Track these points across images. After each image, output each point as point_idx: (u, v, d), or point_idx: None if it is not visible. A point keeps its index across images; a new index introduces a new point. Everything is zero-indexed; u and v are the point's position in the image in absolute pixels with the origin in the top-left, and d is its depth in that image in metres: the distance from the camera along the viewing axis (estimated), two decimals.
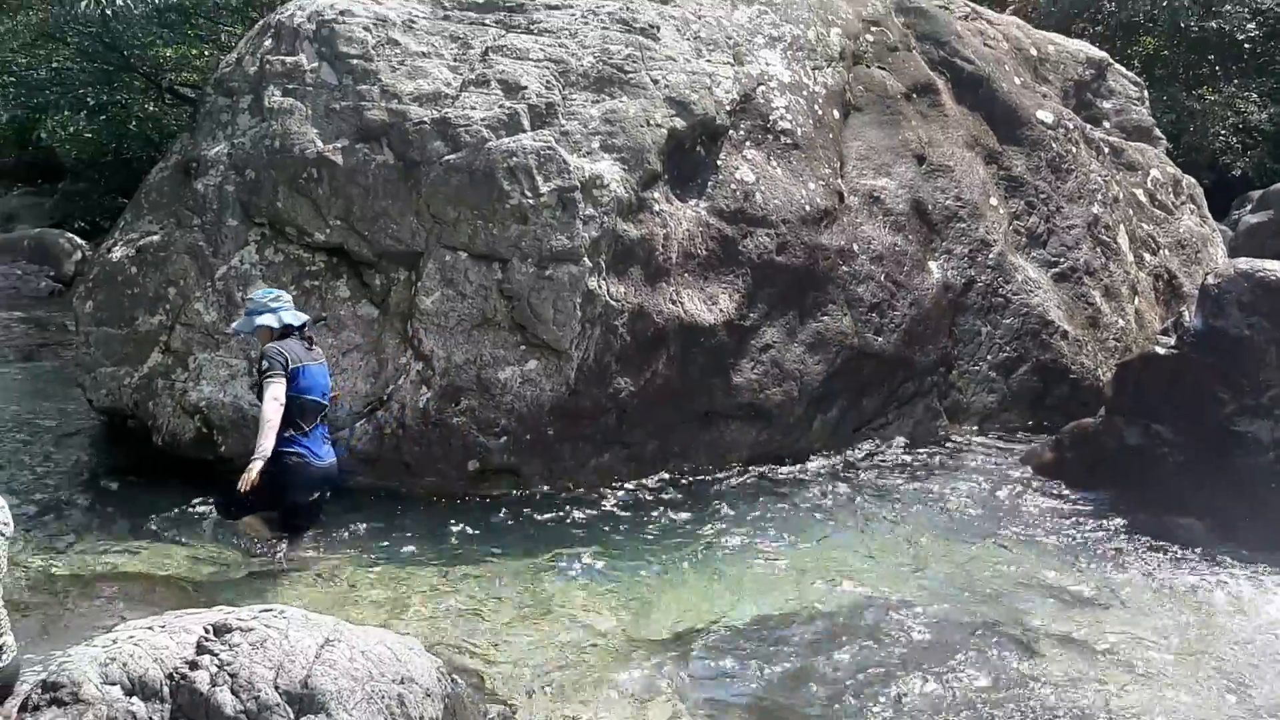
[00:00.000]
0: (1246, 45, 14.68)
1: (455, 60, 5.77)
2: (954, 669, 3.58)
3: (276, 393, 4.31)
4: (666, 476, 5.50)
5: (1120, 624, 4.00)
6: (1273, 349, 5.02)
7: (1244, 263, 5.21)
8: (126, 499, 5.07)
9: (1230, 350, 5.10)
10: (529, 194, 5.26)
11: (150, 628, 2.98)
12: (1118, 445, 5.41)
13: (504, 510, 5.01)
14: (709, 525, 4.91)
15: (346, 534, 4.67)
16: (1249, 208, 9.13)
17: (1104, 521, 5.04)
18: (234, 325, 4.87)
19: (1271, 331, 5.01)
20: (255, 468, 4.22)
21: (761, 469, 5.67)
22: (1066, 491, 5.41)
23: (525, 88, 5.58)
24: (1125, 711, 3.34)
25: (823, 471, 5.69)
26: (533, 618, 3.93)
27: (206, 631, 2.93)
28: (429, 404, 5.15)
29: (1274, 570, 4.50)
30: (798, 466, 5.75)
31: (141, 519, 4.79)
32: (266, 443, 4.25)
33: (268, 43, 5.89)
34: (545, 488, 5.24)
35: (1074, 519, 5.10)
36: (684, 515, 5.03)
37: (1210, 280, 5.27)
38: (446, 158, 5.35)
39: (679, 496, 5.28)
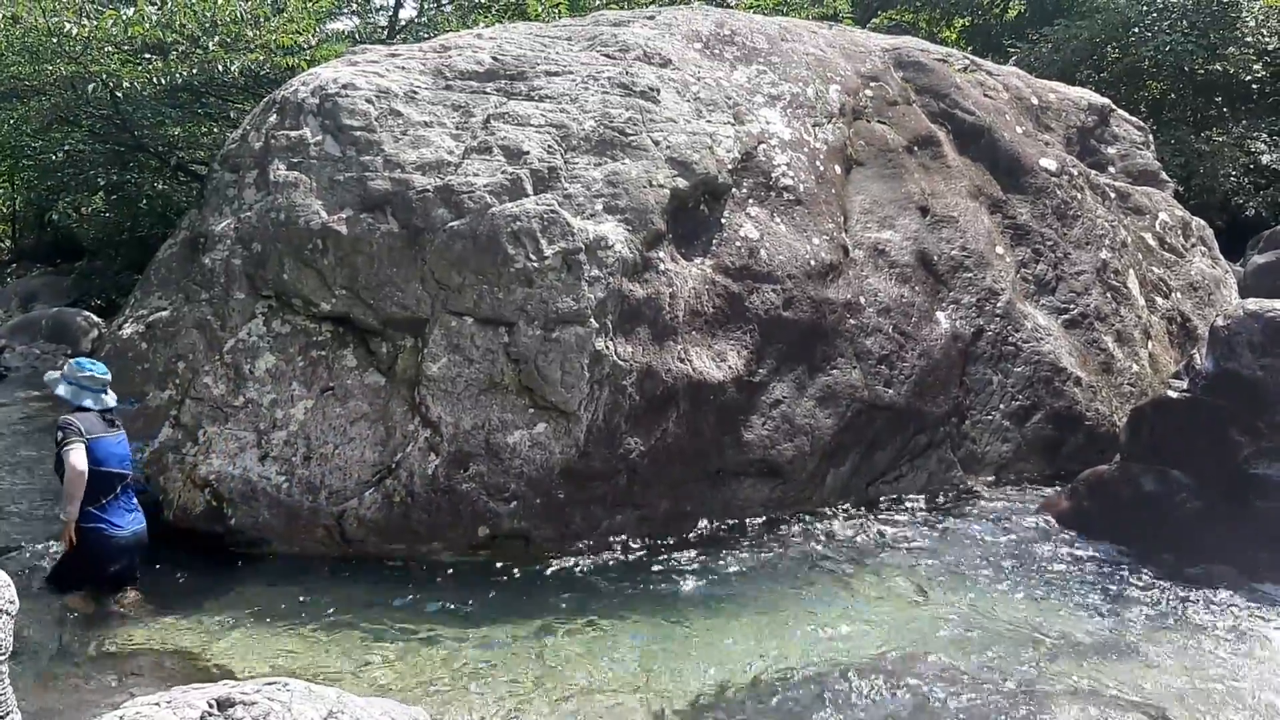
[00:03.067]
0: (1254, 86, 14.73)
1: (457, 128, 5.85)
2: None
3: (76, 459, 4.45)
4: (680, 537, 5.45)
5: (1145, 674, 3.91)
6: None
7: (1253, 304, 5.16)
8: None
9: (1244, 392, 5.05)
10: (533, 257, 5.29)
11: (156, 704, 2.95)
12: (1134, 492, 5.33)
13: (515, 576, 4.96)
14: (723, 585, 4.85)
15: (353, 604, 4.63)
16: (1259, 247, 9.10)
17: (1123, 570, 4.95)
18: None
19: None
20: (68, 530, 4.50)
21: (775, 526, 5.61)
22: (1085, 540, 5.32)
23: (527, 153, 5.64)
24: None
25: (837, 527, 5.62)
26: (545, 686, 3.87)
27: (210, 706, 2.90)
28: (437, 470, 5.13)
29: None
30: (812, 522, 5.68)
31: (153, 592, 4.78)
32: (72, 508, 4.47)
33: (272, 118, 5.98)
34: (557, 552, 5.19)
35: (1093, 568, 5.01)
36: (698, 577, 4.97)
37: (1220, 322, 5.23)
38: (450, 224, 5.39)
39: (692, 556, 5.22)
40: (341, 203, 5.53)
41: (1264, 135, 14.19)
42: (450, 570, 5.02)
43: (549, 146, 5.69)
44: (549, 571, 5.02)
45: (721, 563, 5.14)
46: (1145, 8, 14.32)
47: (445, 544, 5.15)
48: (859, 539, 5.43)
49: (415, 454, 5.17)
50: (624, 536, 5.37)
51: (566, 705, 3.74)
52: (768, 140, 6.43)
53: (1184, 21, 14.14)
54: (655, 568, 5.08)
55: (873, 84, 7.35)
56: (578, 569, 5.06)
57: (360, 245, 5.43)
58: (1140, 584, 4.82)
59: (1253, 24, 14.32)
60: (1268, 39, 14.45)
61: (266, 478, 5.22)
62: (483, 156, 5.65)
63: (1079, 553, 5.19)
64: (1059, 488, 5.98)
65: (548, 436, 5.19)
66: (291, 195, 5.58)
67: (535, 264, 5.27)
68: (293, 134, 5.79)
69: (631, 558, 5.20)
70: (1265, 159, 13.89)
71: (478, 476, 5.13)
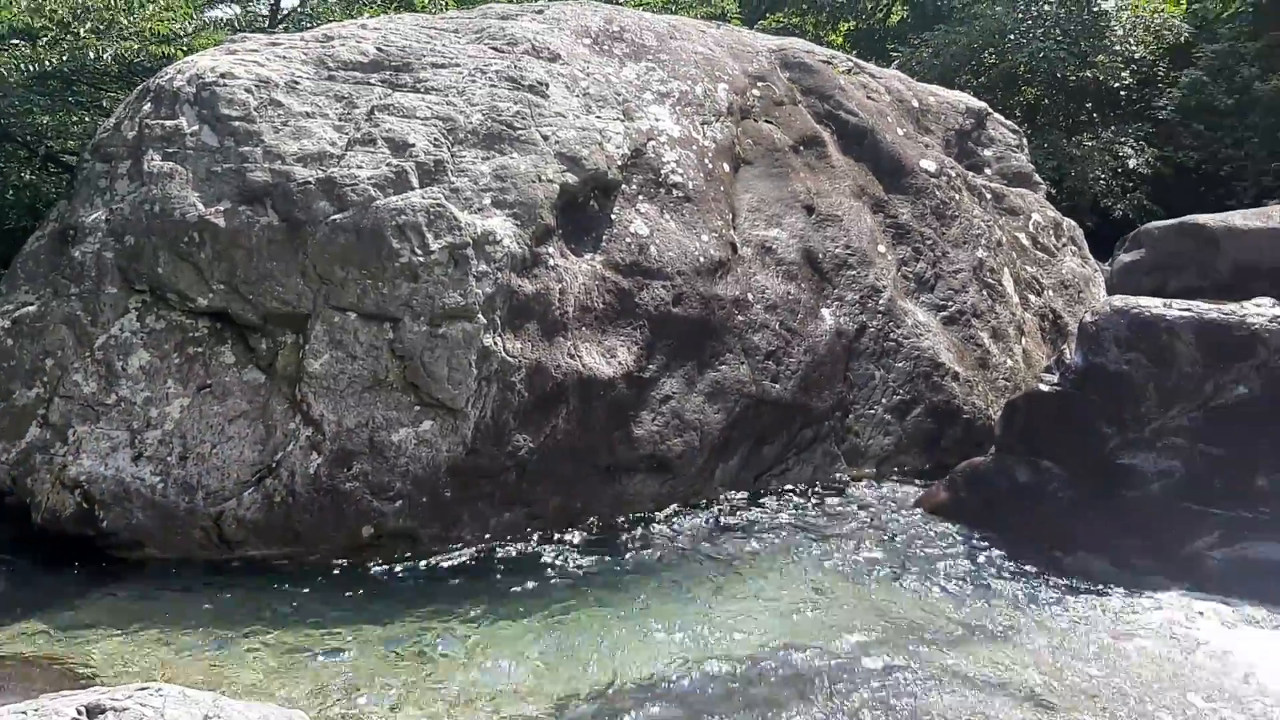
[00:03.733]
0: (1122, 93, 15.37)
1: (340, 120, 5.73)
2: (858, 712, 3.58)
3: None
4: (571, 534, 5.44)
5: (1021, 658, 4.05)
6: (1150, 384, 5.18)
7: (1119, 300, 5.39)
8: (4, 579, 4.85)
9: (1110, 386, 5.26)
10: (419, 252, 5.22)
11: (23, 713, 2.84)
12: (1009, 483, 5.52)
13: (399, 576, 4.89)
14: (614, 582, 4.86)
15: (230, 608, 4.51)
16: (1125, 246, 9.49)
17: (999, 559, 5.12)
18: None
19: (1148, 367, 5.18)
20: None
21: (666, 520, 5.64)
22: (962, 530, 5.48)
23: (413, 145, 5.56)
24: None
25: (725, 520, 5.69)
26: (428, 689, 3.83)
27: (80, 713, 2.80)
28: (320, 470, 5.02)
29: (1165, 600, 4.61)
30: (701, 516, 5.74)
31: (19, 599, 4.57)
32: None
33: (146, 107, 5.77)
34: (444, 551, 5.14)
35: (970, 557, 5.17)
36: (589, 574, 4.97)
37: (1088, 318, 5.44)
38: (333, 217, 5.28)
39: (583, 553, 5.22)
40: (219, 195, 5.37)
41: (1131, 140, 14.82)
42: (333, 571, 4.92)
43: (435, 139, 5.61)
44: (435, 572, 4.96)
45: (613, 559, 5.15)
46: (1020, 16, 14.83)
47: (329, 545, 5.05)
48: (746, 531, 5.50)
49: (296, 453, 5.05)
50: (514, 534, 5.34)
51: (450, 708, 3.70)
52: (657, 137, 6.46)
53: (1057, 30, 14.68)
54: (545, 566, 5.06)
55: (760, 84, 7.45)
56: (466, 568, 5.01)
57: (239, 238, 5.28)
58: (1014, 572, 4.99)
59: (1121, 33, 14.95)
60: (1134, 48, 15.11)
61: (140, 478, 5.04)
62: (367, 148, 5.55)
63: (957, 542, 5.35)
64: (938, 479, 6.15)
65: (434, 434, 5.12)
66: (167, 186, 5.39)
67: (421, 258, 5.20)
68: (168, 123, 5.60)
69: (521, 556, 5.17)
70: (1132, 163, 14.52)
71: (362, 475, 5.04)
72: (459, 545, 5.19)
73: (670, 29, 7.50)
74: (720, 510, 5.82)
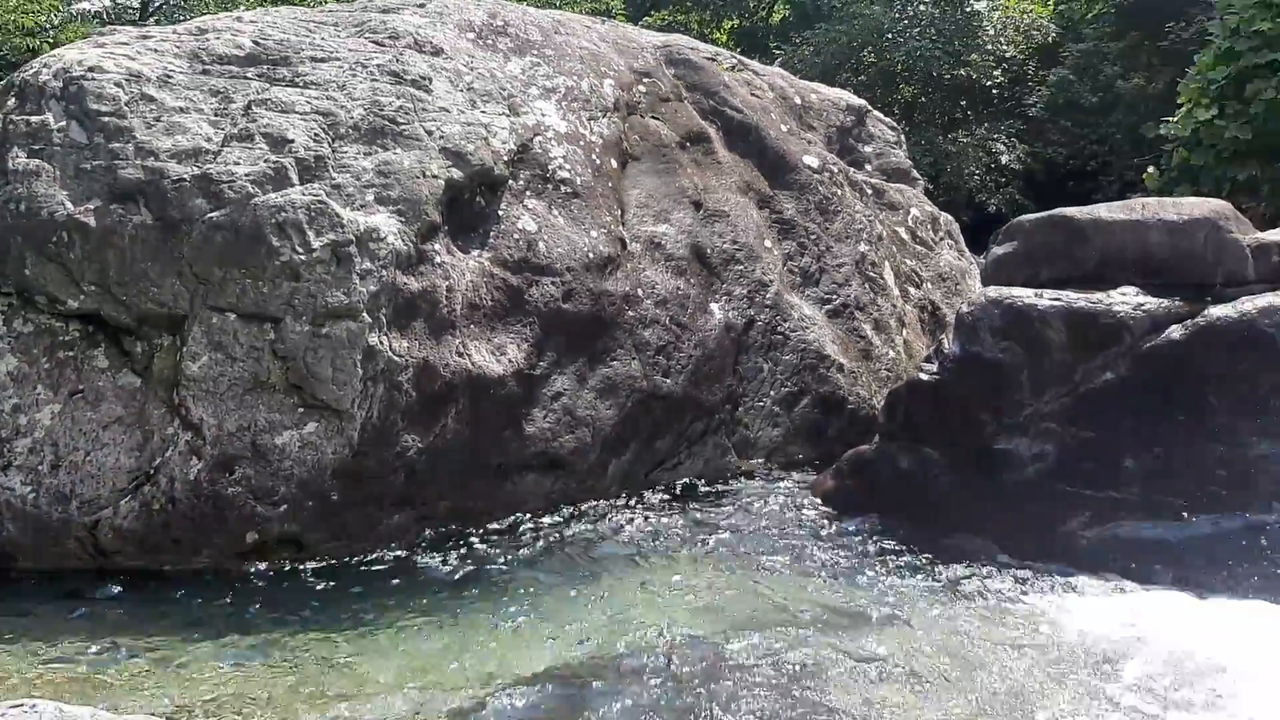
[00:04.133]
0: (994, 91, 15.91)
1: (216, 115, 5.56)
2: (745, 697, 3.63)
3: None
4: (462, 534, 5.39)
5: (903, 638, 4.16)
6: (1024, 371, 5.38)
7: (993, 291, 5.57)
8: None
9: (986, 374, 5.44)
10: (300, 250, 5.10)
11: None
12: (892, 470, 5.66)
13: (285, 583, 4.78)
14: (507, 580, 4.84)
15: (107, 620, 4.35)
16: (998, 239, 9.80)
17: (884, 544, 5.25)
18: None
19: (1022, 354, 5.37)
20: None
21: (558, 518, 5.64)
22: (848, 517, 5.61)
23: (292, 141, 5.42)
24: None
25: (619, 515, 5.71)
26: (317, 696, 3.75)
27: None
28: (200, 475, 4.87)
29: (1041, 578, 4.79)
30: (594, 512, 5.75)
31: None
32: None
33: (11, 102, 5.51)
34: (331, 556, 5.04)
35: (856, 544, 5.29)
36: (481, 574, 4.94)
37: (964, 309, 5.61)
38: (210, 215, 5.12)
39: (475, 553, 5.18)
40: (89, 193, 5.16)
41: (1003, 137, 15.36)
42: (215, 579, 4.78)
43: (315, 135, 5.49)
44: (320, 576, 4.87)
45: (506, 558, 5.12)
46: (898, 15, 15.24)
47: (211, 552, 4.91)
48: (639, 526, 5.54)
49: (175, 458, 4.89)
50: (403, 536, 5.27)
51: (333, 714, 3.63)
52: (544, 132, 6.44)
53: (933, 30, 15.12)
54: (435, 567, 5.01)
55: (646, 80, 7.48)
56: (353, 572, 4.93)
57: (111, 238, 5.08)
58: (899, 557, 5.12)
59: (992, 33, 15.47)
60: (1005, 48, 15.66)
61: (10, 489, 4.82)
62: (244, 144, 5.40)
63: (844, 529, 5.48)
64: (825, 469, 6.28)
65: (319, 436, 5.02)
66: (33, 185, 5.16)
67: (302, 257, 5.08)
68: (34, 119, 5.35)
69: (410, 558, 5.10)
70: (1004, 159, 15.05)
71: (244, 480, 4.91)
72: (346, 549, 5.09)
73: (555, 24, 7.48)
74: (613, 506, 5.84)
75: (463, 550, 5.19)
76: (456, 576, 4.89)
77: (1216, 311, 5.05)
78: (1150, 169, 12.02)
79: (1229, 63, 10.86)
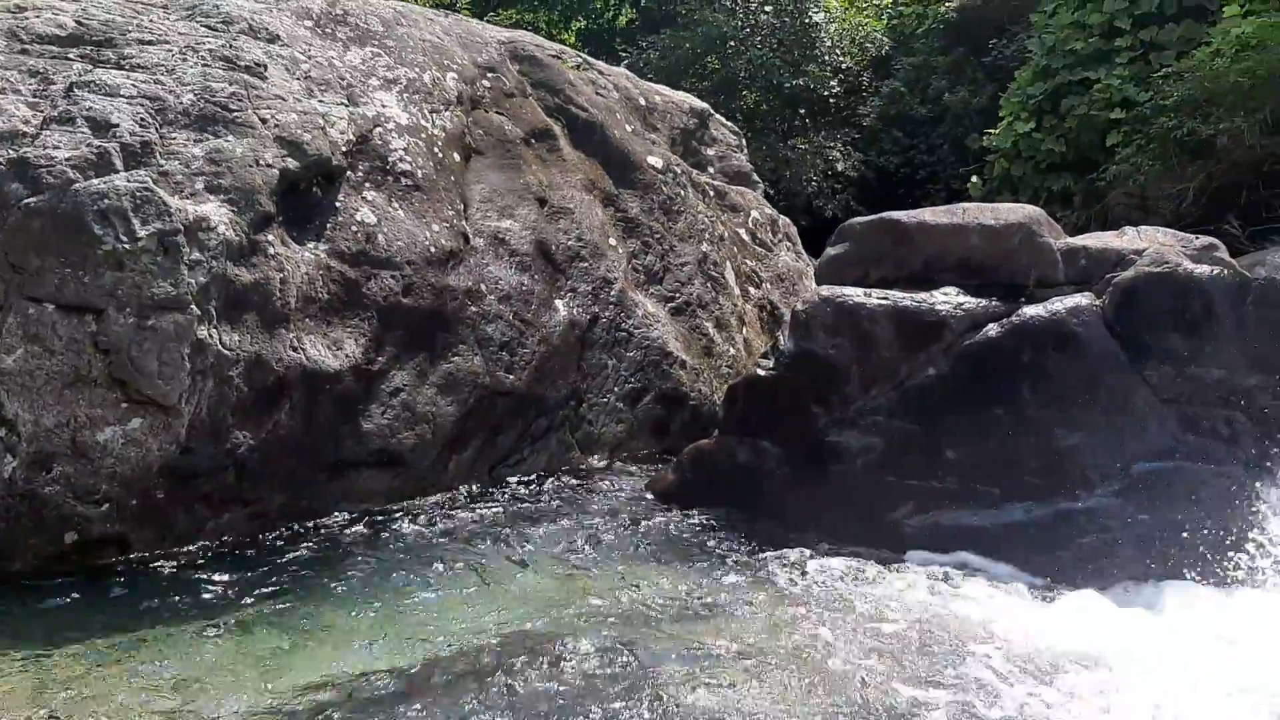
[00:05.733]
0: (831, 100, 16.42)
1: (35, 96, 5.26)
2: (581, 693, 3.66)
3: None
4: (297, 532, 5.26)
5: (740, 626, 4.26)
6: (854, 366, 5.59)
7: (826, 290, 5.77)
8: None
9: (819, 369, 5.63)
10: (125, 238, 4.87)
11: None
12: (731, 464, 5.80)
13: (108, 585, 4.55)
14: (342, 580, 4.73)
15: None
16: (832, 240, 10.13)
17: (721, 536, 5.38)
18: None
19: (852, 351, 5.59)
20: None
21: (397, 515, 5.55)
22: (688, 511, 5.71)
23: (117, 125, 5.18)
24: (746, 710, 3.56)
25: (459, 513, 5.66)
26: (134, 708, 3.60)
27: None
28: (15, 474, 4.60)
29: (869, 565, 4.99)
30: (434, 509, 5.68)
31: None
32: None
33: None
34: (157, 556, 4.84)
35: (697, 537, 5.39)
36: (315, 573, 4.81)
37: (799, 307, 5.80)
38: (27, 201, 4.84)
39: (309, 552, 5.06)
40: None
41: (839, 145, 15.87)
42: (29, 583, 4.53)
43: (142, 119, 5.26)
44: (146, 577, 4.66)
45: (341, 556, 5.01)
46: (740, 24, 15.56)
47: (28, 553, 4.63)
48: (478, 523, 5.50)
49: None
50: (234, 535, 5.11)
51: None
52: (384, 124, 6.34)
53: (773, 39, 15.51)
54: (266, 567, 4.86)
55: (490, 75, 7.45)
56: (179, 573, 4.73)
57: None
58: (737, 549, 5.25)
59: (829, 44, 15.97)
60: (841, 59, 16.19)
61: None
62: (64, 128, 5.12)
63: (684, 523, 5.57)
64: (667, 464, 6.37)
65: (144, 433, 4.81)
66: None
67: (127, 245, 4.86)
68: None
69: (240, 558, 4.94)
70: (841, 166, 15.55)
71: (63, 478, 4.66)
72: (174, 547, 4.90)
73: (397, 15, 7.36)
74: (453, 503, 5.80)
75: (294, 549, 5.06)
76: (291, 574, 4.76)
77: (1029, 311, 5.35)
78: (974, 178, 12.64)
79: (1046, 79, 11.51)
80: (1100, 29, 11.09)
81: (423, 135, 6.51)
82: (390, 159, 6.22)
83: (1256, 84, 8.74)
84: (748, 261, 8.68)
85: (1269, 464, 4.83)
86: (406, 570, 4.84)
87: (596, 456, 6.72)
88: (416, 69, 6.86)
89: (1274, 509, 4.68)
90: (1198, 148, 9.35)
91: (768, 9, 15.72)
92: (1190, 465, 4.97)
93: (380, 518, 5.51)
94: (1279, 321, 5.31)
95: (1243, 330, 5.18)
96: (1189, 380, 5.14)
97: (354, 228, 5.82)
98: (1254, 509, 4.71)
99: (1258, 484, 4.79)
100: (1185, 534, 4.77)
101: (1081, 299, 5.36)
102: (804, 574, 4.90)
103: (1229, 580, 4.62)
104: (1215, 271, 5.28)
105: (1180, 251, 5.49)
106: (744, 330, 8.11)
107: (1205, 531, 4.73)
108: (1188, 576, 4.69)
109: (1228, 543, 4.69)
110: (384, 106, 6.43)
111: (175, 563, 4.83)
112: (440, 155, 6.56)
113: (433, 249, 6.09)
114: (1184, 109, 9.39)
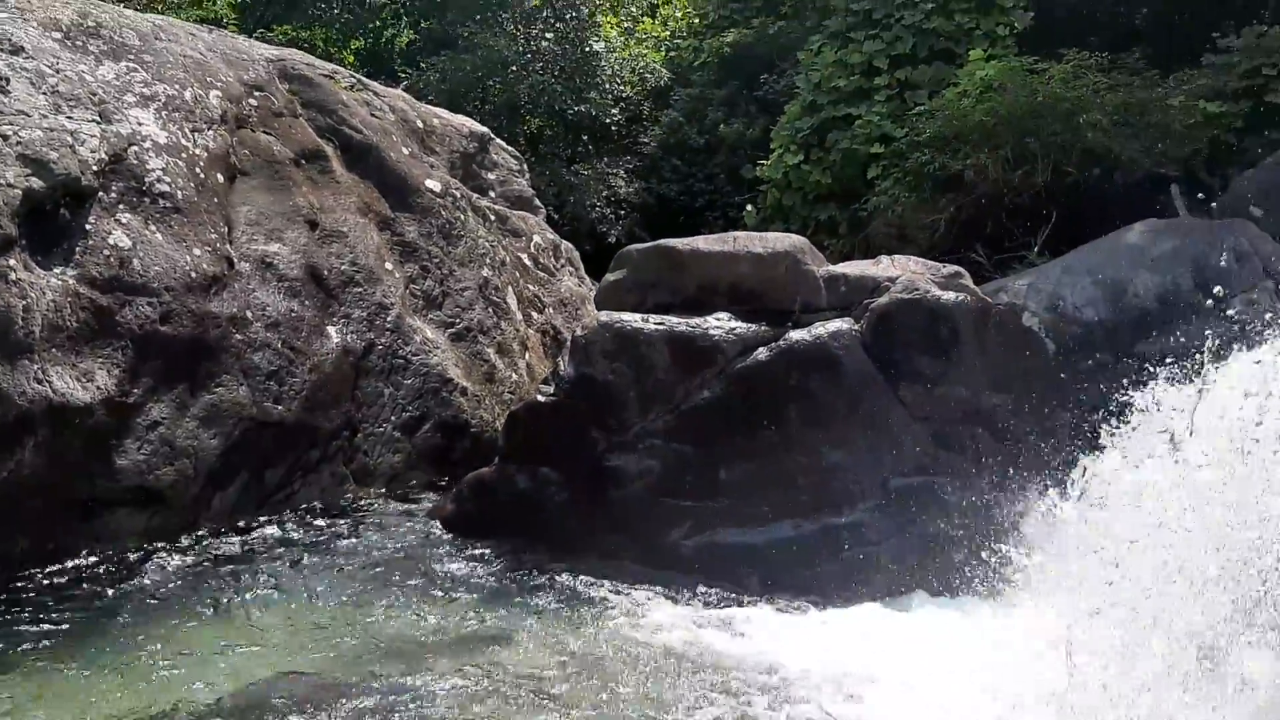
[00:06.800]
0: (613, 128, 16.67)
1: None
2: None
3: None
4: (44, 576, 4.89)
5: (520, 658, 4.24)
6: (633, 390, 5.68)
7: (605, 315, 5.85)
8: None
9: (599, 394, 5.69)
10: None
11: None
12: (511, 491, 5.77)
13: None
14: (93, 625, 4.43)
15: None
16: (612, 266, 10.28)
17: (500, 565, 5.34)
18: None
19: (630, 375, 5.68)
20: None
21: (157, 554, 5.24)
22: (468, 540, 5.65)
23: None
24: None
25: (223, 550, 5.40)
26: None
27: None
28: None
29: (643, 593, 5.05)
30: (197, 547, 5.40)
31: None
32: None
33: None
34: None
35: (476, 567, 5.34)
36: (63, 619, 4.50)
37: (579, 333, 5.86)
38: None
39: (58, 597, 4.72)
40: None
41: (622, 172, 16.12)
42: None
43: None
44: None
45: (94, 600, 4.70)
46: (521, 49, 15.60)
47: None
48: (246, 561, 5.27)
49: None
50: None
51: None
52: (140, 143, 5.99)
53: (555, 66, 15.62)
54: (10, 615, 4.49)
55: (257, 93, 7.18)
56: None
57: None
58: (515, 578, 5.23)
59: (609, 73, 16.23)
60: (622, 88, 16.48)
61: None
62: None
63: (463, 553, 5.50)
64: (448, 493, 6.28)
65: None
66: None
67: None
68: None
69: None
70: (623, 192, 15.79)
71: None
72: None
73: (156, 29, 6.99)
74: (217, 541, 5.52)
75: (39, 596, 4.71)
76: (36, 621, 4.43)
77: (795, 335, 5.59)
78: (749, 207, 13.10)
79: (813, 114, 12.08)
80: (860, 68, 11.74)
81: (183, 155, 6.20)
82: (147, 179, 5.89)
83: (998, 123, 9.46)
84: (530, 286, 8.69)
85: (1009, 478, 5.19)
86: (165, 614, 4.58)
87: (373, 489, 6.55)
88: (177, 86, 6.52)
89: (1014, 521, 5.04)
90: (948, 181, 10.01)
91: (549, 36, 15.84)
92: (941, 480, 5.30)
93: (137, 559, 5.18)
94: (1017, 344, 5.77)
95: (985, 352, 5.58)
96: (938, 400, 5.49)
97: (106, 252, 5.47)
98: (997, 521, 5.06)
99: (1000, 497, 5.15)
100: (937, 547, 5.07)
101: (842, 324, 5.63)
102: (579, 600, 4.92)
103: (976, 592, 4.93)
104: (960, 298, 5.67)
105: (929, 279, 5.86)
106: (527, 355, 8.11)
107: (954, 544, 5.04)
108: (938, 589, 4.99)
109: (975, 555, 5.01)
110: (140, 124, 6.08)
111: None
112: (203, 176, 6.26)
113: (194, 274, 5.80)
114: (936, 145, 10.04)
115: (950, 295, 5.67)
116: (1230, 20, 10.17)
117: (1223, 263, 6.78)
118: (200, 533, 5.55)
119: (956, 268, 6.22)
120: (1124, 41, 11.16)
